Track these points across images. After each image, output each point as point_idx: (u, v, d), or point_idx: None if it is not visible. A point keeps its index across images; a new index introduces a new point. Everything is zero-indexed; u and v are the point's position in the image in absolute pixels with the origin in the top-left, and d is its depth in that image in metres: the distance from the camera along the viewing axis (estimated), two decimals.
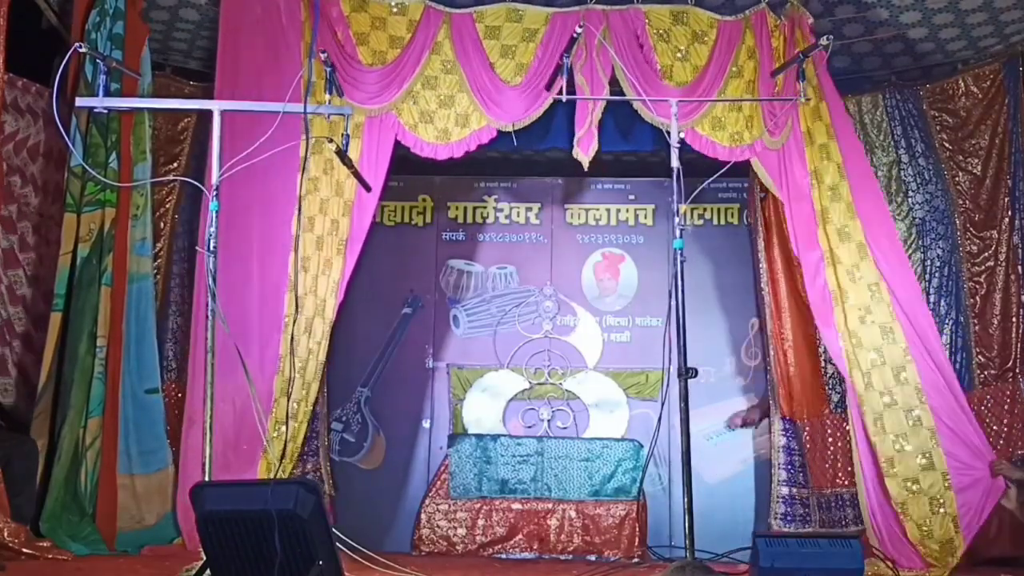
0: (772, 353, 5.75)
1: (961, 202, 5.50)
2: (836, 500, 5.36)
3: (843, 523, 5.30)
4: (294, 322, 4.50)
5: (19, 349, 4.89)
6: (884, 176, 5.63)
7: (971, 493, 4.58)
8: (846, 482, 5.35)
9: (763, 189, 5.58)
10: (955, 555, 4.54)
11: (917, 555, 4.57)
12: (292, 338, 4.46)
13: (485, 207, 6.49)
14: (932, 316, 5.06)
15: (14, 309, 4.89)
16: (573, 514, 5.60)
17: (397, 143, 4.99)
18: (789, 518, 5.63)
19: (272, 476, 4.37)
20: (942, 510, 4.56)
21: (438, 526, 5.61)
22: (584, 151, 4.95)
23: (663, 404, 4.48)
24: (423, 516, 5.65)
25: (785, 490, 5.72)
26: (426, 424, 6.17)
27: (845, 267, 4.87)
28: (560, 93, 4.32)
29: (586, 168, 5.01)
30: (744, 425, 6.07)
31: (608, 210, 6.49)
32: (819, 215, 4.93)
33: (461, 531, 5.60)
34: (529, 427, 6.13)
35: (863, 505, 4.79)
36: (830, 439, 5.47)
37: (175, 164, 5.60)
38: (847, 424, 5.08)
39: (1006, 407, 5.21)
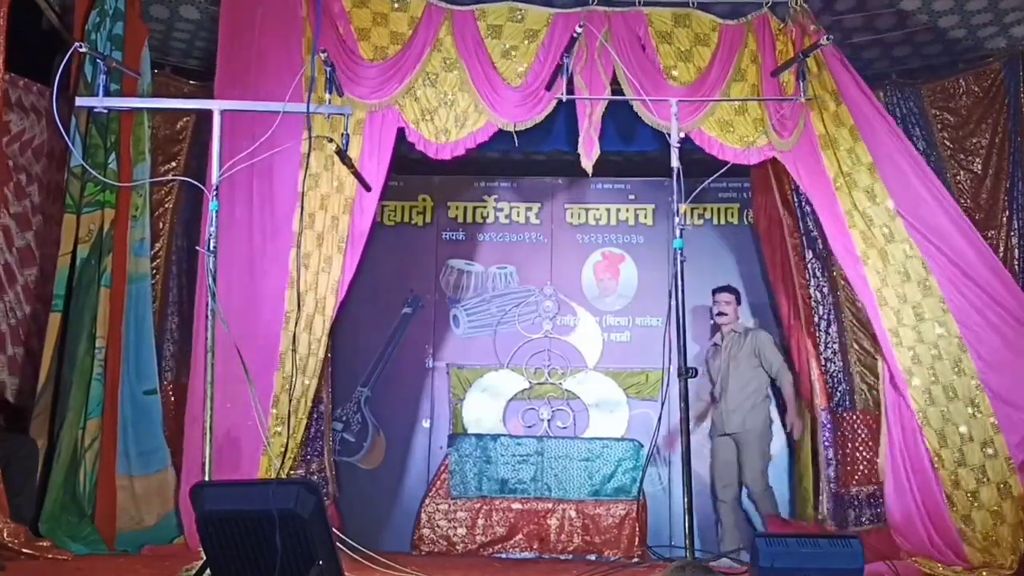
0: None
1: (962, 201, 5.49)
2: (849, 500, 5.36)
3: (859, 523, 5.29)
4: (296, 320, 4.50)
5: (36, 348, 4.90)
6: None
7: None
8: (853, 481, 5.35)
9: (763, 189, 5.59)
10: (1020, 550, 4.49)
11: (963, 551, 4.52)
12: (294, 336, 4.47)
13: (485, 207, 6.49)
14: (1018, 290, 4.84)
15: (31, 307, 4.90)
16: (573, 514, 5.59)
17: (398, 141, 4.99)
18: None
19: (274, 475, 4.38)
20: (1009, 496, 4.52)
21: (438, 526, 5.61)
22: (587, 155, 4.94)
23: (663, 404, 4.49)
24: (423, 516, 5.65)
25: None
26: (426, 424, 6.17)
27: (895, 267, 4.79)
28: (561, 94, 4.32)
29: (589, 173, 5.00)
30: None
31: (608, 210, 6.49)
32: (852, 217, 4.84)
33: (461, 531, 5.60)
34: (529, 427, 6.13)
35: (889, 504, 4.74)
36: (838, 436, 5.46)
37: (174, 164, 5.59)
38: (855, 419, 5.08)
39: None
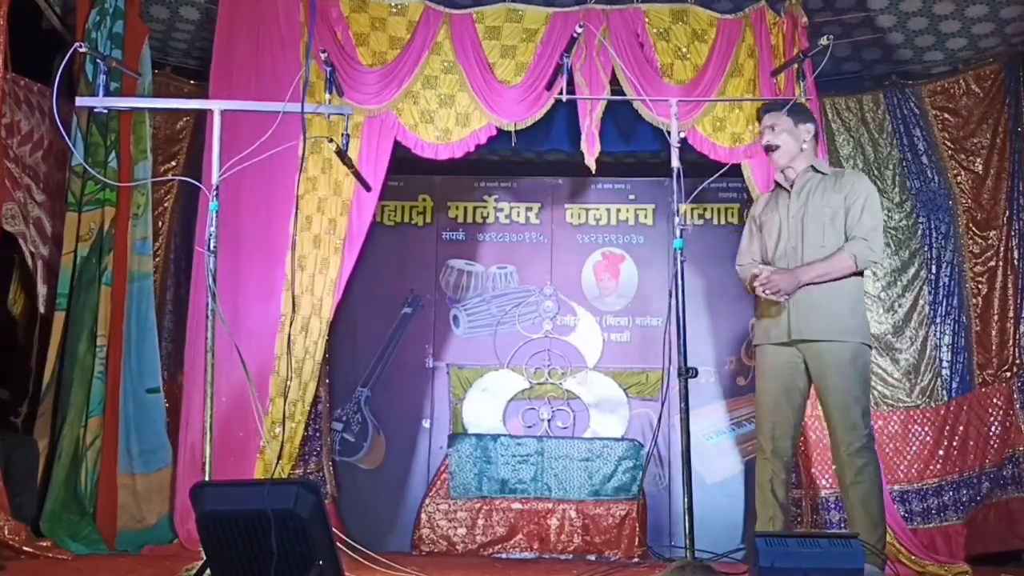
0: None
1: (963, 201, 5.50)
2: (836, 503, 5.34)
3: (842, 526, 5.28)
4: (291, 323, 4.50)
5: None
6: (886, 175, 5.64)
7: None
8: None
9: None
10: None
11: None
12: (289, 338, 4.47)
13: (485, 207, 6.49)
14: None
15: None
16: (573, 514, 5.59)
17: (397, 143, 4.99)
18: None
19: (270, 477, 4.37)
20: None
21: (438, 526, 5.61)
22: (590, 152, 4.94)
23: (663, 404, 4.49)
24: (423, 516, 5.65)
25: None
26: (426, 424, 6.16)
27: None
28: (560, 93, 4.32)
29: (592, 170, 4.99)
30: None
31: (608, 210, 6.48)
32: None
33: (461, 531, 5.60)
34: (529, 427, 6.12)
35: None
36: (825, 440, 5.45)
37: (173, 163, 5.60)
38: None
39: (1002, 409, 5.21)
